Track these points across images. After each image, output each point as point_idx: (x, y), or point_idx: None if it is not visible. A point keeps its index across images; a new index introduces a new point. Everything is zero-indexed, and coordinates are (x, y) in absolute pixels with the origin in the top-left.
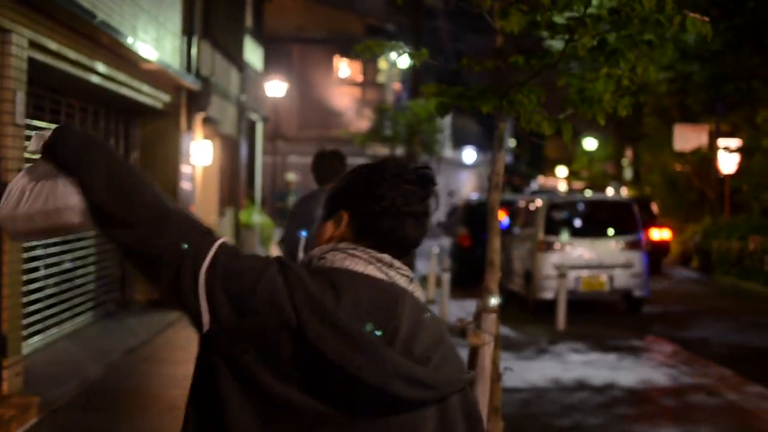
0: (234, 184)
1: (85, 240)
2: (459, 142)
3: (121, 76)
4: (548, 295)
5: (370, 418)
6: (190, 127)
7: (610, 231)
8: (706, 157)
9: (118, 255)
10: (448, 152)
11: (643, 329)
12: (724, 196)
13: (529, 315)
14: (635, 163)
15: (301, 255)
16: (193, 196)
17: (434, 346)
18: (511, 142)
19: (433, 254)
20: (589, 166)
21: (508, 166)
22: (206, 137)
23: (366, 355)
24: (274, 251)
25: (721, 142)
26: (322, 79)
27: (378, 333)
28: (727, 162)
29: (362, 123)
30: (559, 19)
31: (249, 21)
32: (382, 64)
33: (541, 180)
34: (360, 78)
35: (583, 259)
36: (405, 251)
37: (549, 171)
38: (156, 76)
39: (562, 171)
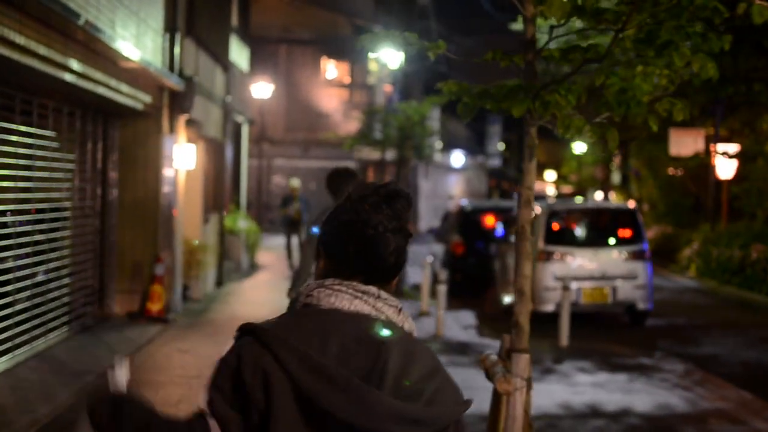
0: (219, 188)
1: (60, 250)
2: (447, 146)
3: (98, 75)
4: (548, 307)
5: None
6: (172, 129)
7: (613, 240)
8: (703, 162)
9: (96, 264)
10: (436, 156)
11: (650, 345)
12: (722, 202)
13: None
14: (623, 168)
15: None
16: (175, 202)
17: (427, 378)
18: (500, 146)
19: (427, 263)
20: (578, 170)
21: (496, 170)
22: (189, 140)
23: (356, 401)
24: (262, 257)
25: (720, 147)
26: (309, 80)
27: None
28: (725, 167)
29: (350, 126)
30: (607, 4)
31: (235, 20)
32: (373, 65)
33: None
34: (348, 80)
35: (585, 270)
36: (388, 270)
37: (537, 175)
38: (136, 75)
39: (550, 175)
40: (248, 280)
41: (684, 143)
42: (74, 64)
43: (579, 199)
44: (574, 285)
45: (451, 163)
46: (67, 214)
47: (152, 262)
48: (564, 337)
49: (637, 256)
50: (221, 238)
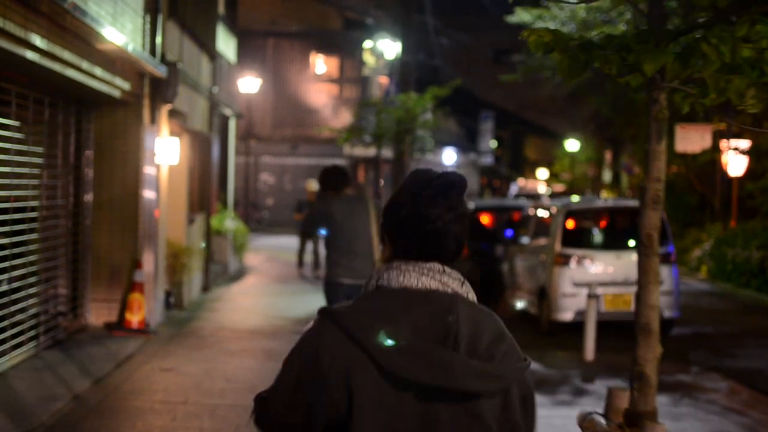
0: (205, 186)
1: (27, 255)
2: (438, 143)
3: (66, 54)
4: (566, 316)
5: (452, 406)
6: (154, 120)
7: (636, 242)
8: (708, 159)
9: (69, 270)
10: (428, 153)
11: (683, 358)
12: (732, 200)
13: (546, 338)
14: (615, 166)
15: (321, 250)
16: (157, 201)
17: (496, 342)
18: (492, 143)
19: None
20: (571, 168)
21: (488, 167)
22: (173, 133)
23: (436, 365)
24: (250, 258)
25: (730, 143)
26: (298, 75)
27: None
28: (736, 164)
29: (340, 122)
30: None
31: (222, 8)
32: (368, 56)
33: (521, 182)
34: (337, 74)
35: (606, 275)
36: (450, 256)
37: (529, 173)
38: (112, 58)
39: (542, 173)
40: (237, 284)
41: (690, 139)
42: (37, 40)
43: (576, 198)
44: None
45: (443, 161)
46: (34, 214)
47: (131, 267)
48: (590, 351)
49: (662, 259)
50: (208, 239)
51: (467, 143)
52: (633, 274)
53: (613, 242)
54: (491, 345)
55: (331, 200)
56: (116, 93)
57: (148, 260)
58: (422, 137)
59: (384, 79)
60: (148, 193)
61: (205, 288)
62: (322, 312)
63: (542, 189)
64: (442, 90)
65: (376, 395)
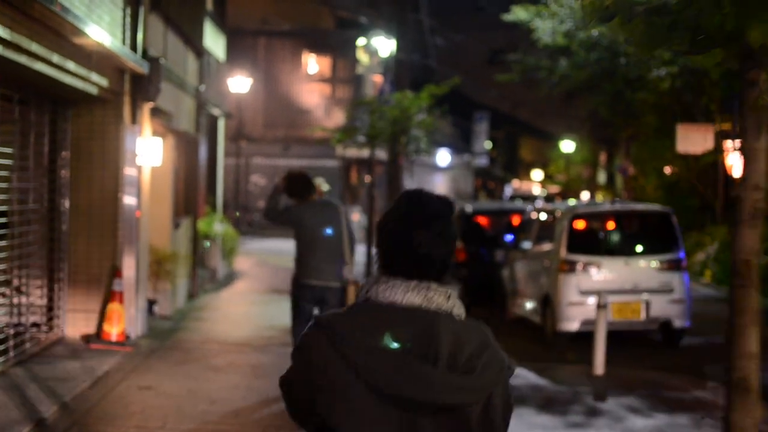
0: (191, 189)
1: None
2: (433, 144)
3: (35, 47)
4: (572, 326)
5: (434, 415)
6: (135, 119)
7: (645, 247)
8: (710, 160)
9: (43, 279)
10: (421, 155)
11: (697, 372)
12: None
13: (550, 349)
14: (609, 167)
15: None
16: (139, 205)
17: (478, 353)
18: (487, 144)
19: None
20: (566, 169)
21: (483, 169)
22: (156, 133)
23: (412, 377)
24: (240, 263)
25: (731, 143)
26: (290, 75)
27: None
28: (741, 165)
29: (332, 122)
30: None
31: (209, 4)
32: (362, 54)
33: (515, 184)
34: (330, 74)
35: (614, 282)
36: (434, 277)
37: (524, 174)
38: (88, 52)
39: (537, 174)
40: (225, 291)
41: (692, 140)
42: None
43: (572, 201)
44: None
45: (437, 162)
46: (3, 220)
47: (111, 275)
48: (599, 365)
49: (672, 265)
50: (194, 245)
51: (461, 144)
52: (642, 281)
53: (621, 248)
54: (472, 357)
55: (301, 206)
56: (93, 90)
57: (128, 268)
58: (418, 137)
59: (378, 78)
60: (129, 197)
61: (192, 295)
62: (315, 319)
63: (537, 191)
64: (439, 88)
65: (360, 404)
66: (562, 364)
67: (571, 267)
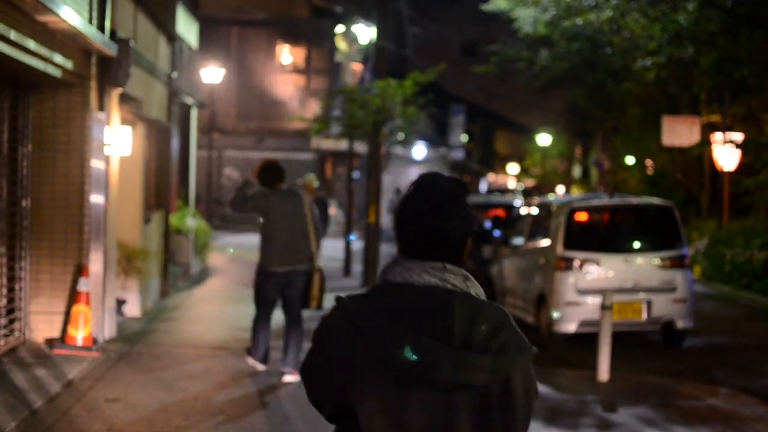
0: (163, 181)
1: None
2: (414, 135)
3: None
4: (569, 327)
5: (452, 394)
6: (102, 106)
7: (647, 244)
8: (693, 153)
9: (3, 279)
10: (397, 148)
11: (706, 377)
12: (724, 197)
13: (547, 352)
14: (585, 161)
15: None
16: (107, 198)
17: (495, 333)
18: (463, 137)
19: None
20: (543, 163)
21: (459, 162)
22: (125, 121)
23: (430, 359)
24: (213, 259)
25: (719, 136)
26: (264, 65)
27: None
28: (728, 158)
29: (307, 114)
30: None
31: None
32: (340, 42)
33: (491, 178)
34: (304, 64)
35: (614, 281)
36: (453, 258)
37: (500, 168)
38: (50, 30)
39: (513, 168)
40: (199, 288)
41: (678, 132)
42: None
43: (552, 196)
44: (599, 299)
45: (413, 155)
46: None
47: (76, 274)
48: (604, 370)
49: (675, 263)
50: (166, 240)
51: (437, 137)
52: (642, 279)
53: (621, 244)
54: (488, 337)
55: (267, 194)
56: (56, 72)
57: (95, 266)
58: (401, 128)
59: (358, 66)
60: (96, 189)
61: (164, 294)
62: (336, 300)
63: (513, 184)
64: (426, 75)
65: (380, 384)
66: (562, 369)
67: (567, 264)
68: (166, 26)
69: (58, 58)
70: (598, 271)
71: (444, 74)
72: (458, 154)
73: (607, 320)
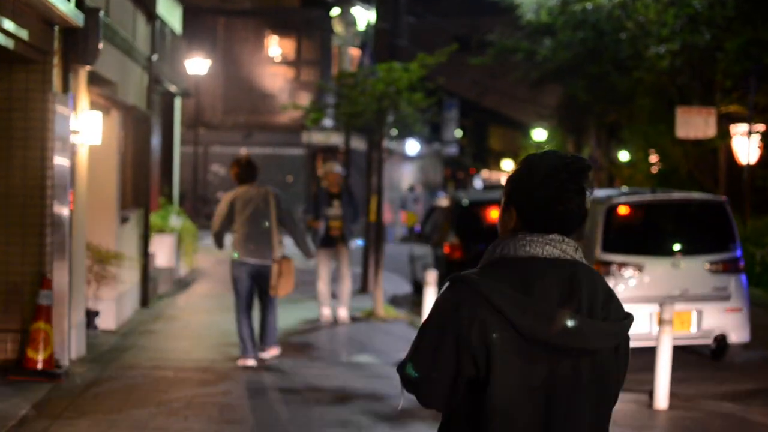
0: (142, 176)
1: None
2: (402, 133)
3: None
4: None
5: (576, 359)
6: (67, 86)
7: (697, 245)
8: (707, 146)
9: None
10: (390, 143)
11: None
12: (744, 192)
13: None
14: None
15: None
16: (73, 194)
17: (608, 301)
18: (457, 133)
19: (429, 274)
20: None
21: (452, 158)
22: (96, 105)
23: (564, 329)
24: (197, 261)
25: (740, 127)
26: (252, 57)
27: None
28: (747, 150)
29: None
30: None
31: None
32: (337, 26)
33: (485, 174)
34: (294, 56)
35: (659, 288)
36: (572, 231)
37: (494, 164)
38: None
39: (507, 164)
40: (184, 295)
41: (693, 124)
42: None
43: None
44: (645, 309)
45: (406, 151)
46: None
47: (36, 286)
48: (662, 398)
49: (728, 266)
50: (145, 242)
51: (431, 132)
52: (693, 285)
53: (667, 246)
54: (605, 304)
55: (230, 198)
56: (9, 43)
57: (59, 275)
58: (407, 116)
59: (355, 51)
60: (60, 185)
61: (144, 302)
62: (455, 278)
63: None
64: (438, 57)
65: (512, 351)
66: None
67: (606, 269)
68: (144, 2)
69: (10, 25)
70: (642, 276)
71: (437, 68)
72: (452, 150)
73: (667, 336)
